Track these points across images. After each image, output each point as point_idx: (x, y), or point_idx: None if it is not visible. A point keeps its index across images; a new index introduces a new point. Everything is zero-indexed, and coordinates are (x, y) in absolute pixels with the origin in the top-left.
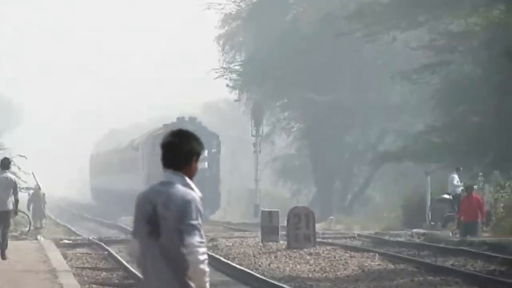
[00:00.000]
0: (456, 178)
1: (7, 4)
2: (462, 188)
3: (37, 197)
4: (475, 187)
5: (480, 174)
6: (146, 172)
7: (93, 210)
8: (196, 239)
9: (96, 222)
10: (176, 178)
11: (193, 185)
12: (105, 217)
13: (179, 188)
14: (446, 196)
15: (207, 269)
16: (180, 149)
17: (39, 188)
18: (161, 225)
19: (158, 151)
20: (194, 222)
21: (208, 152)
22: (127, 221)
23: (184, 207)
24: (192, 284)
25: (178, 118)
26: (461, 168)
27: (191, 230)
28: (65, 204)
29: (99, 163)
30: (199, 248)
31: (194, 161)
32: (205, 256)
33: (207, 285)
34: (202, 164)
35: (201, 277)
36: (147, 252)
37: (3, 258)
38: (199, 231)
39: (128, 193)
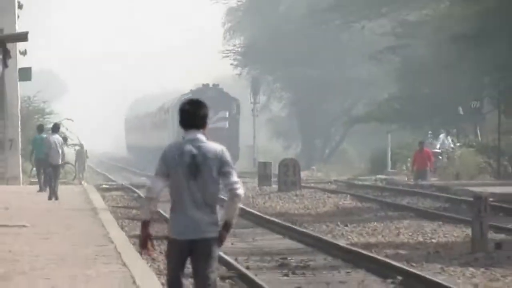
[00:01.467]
0: (441, 138)
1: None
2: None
3: (80, 154)
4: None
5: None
6: (176, 131)
7: (127, 162)
8: (236, 178)
9: (129, 172)
10: (200, 136)
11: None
12: (137, 168)
13: (208, 142)
14: (437, 150)
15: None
16: (200, 113)
17: (82, 147)
18: (201, 170)
19: None
20: (232, 165)
21: (229, 114)
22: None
23: (222, 155)
24: (219, 214)
25: (203, 85)
26: (454, 131)
27: (232, 172)
28: (105, 158)
29: (134, 124)
30: (240, 184)
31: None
32: (243, 191)
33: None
34: (224, 124)
35: (237, 207)
36: (186, 188)
37: (56, 198)
38: (235, 172)
39: (158, 148)
